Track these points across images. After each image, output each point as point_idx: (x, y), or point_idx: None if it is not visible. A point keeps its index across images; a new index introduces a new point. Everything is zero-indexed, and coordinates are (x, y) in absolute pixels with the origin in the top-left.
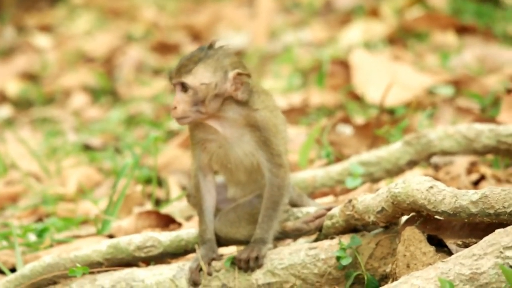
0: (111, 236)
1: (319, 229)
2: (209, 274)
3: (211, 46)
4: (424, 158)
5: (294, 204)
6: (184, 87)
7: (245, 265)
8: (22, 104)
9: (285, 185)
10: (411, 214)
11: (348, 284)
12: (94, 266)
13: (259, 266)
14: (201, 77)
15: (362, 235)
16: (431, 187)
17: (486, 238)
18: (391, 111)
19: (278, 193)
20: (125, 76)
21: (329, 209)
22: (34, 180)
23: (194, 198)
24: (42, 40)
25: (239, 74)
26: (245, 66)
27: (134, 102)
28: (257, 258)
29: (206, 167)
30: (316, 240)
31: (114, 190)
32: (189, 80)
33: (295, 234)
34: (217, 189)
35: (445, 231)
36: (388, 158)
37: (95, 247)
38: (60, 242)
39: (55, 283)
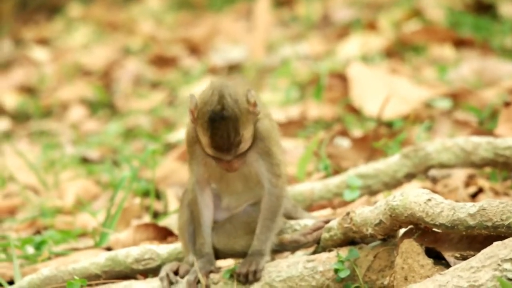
0: (109, 249)
1: (317, 241)
2: (207, 286)
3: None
4: (422, 171)
5: (289, 216)
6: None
7: (244, 279)
8: (19, 117)
9: (283, 195)
10: (409, 227)
11: None
12: (92, 279)
13: (257, 279)
14: (246, 135)
15: (360, 247)
16: (429, 200)
17: (484, 251)
18: (388, 124)
19: (276, 203)
20: (122, 89)
21: (327, 222)
22: (32, 192)
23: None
24: (39, 53)
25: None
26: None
27: (132, 115)
28: (255, 272)
29: (204, 181)
30: (314, 252)
31: (112, 202)
32: (243, 148)
33: (293, 247)
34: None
35: (443, 243)
36: (386, 171)
37: (93, 259)
38: (58, 255)
39: None
